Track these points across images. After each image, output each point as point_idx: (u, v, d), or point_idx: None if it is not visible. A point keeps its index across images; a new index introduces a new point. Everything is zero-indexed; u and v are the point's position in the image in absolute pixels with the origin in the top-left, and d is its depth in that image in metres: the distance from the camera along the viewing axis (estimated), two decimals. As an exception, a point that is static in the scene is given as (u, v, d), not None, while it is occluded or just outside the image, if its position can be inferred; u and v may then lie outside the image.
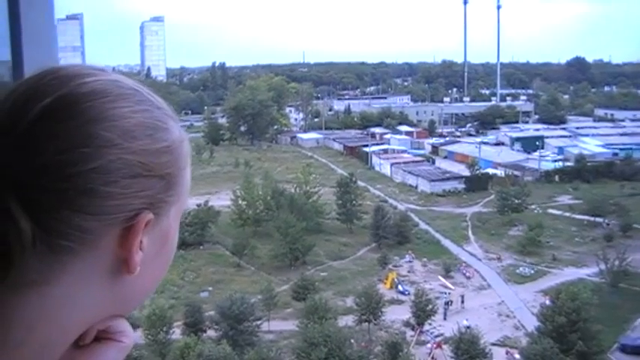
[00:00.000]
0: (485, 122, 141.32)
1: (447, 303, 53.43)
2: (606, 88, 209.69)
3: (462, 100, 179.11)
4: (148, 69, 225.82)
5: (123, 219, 1.01)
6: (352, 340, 45.02)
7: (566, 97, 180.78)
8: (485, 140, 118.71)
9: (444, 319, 51.31)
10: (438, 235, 73.00)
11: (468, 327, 46.68)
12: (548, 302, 47.33)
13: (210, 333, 46.35)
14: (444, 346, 46.01)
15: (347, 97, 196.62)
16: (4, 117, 0.98)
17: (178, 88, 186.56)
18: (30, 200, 0.94)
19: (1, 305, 0.97)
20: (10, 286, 0.96)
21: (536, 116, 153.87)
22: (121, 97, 1.03)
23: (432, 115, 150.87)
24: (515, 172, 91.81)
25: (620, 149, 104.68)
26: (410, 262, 65.47)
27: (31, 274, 0.97)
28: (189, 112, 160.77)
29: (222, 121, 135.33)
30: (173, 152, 1.07)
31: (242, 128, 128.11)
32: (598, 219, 73.35)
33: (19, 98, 0.99)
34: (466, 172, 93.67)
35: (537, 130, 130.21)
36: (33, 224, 0.94)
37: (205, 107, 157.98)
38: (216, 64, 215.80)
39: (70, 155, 0.96)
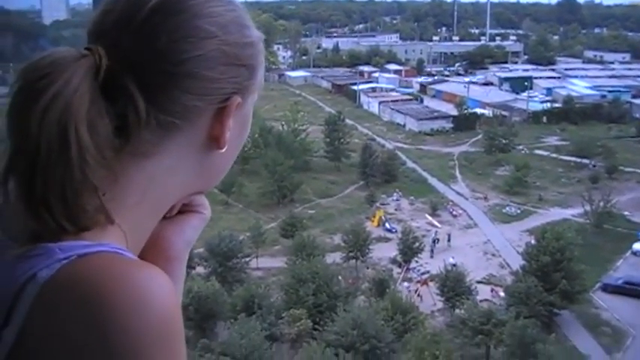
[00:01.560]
0: (474, 62, 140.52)
1: (433, 241, 53.86)
2: (596, 30, 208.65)
3: (451, 40, 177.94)
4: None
5: (219, 100, 1.18)
6: (340, 277, 45.40)
7: (555, 38, 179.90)
8: (474, 80, 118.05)
9: (431, 256, 51.77)
10: (425, 174, 73.26)
11: (454, 265, 47.12)
12: (533, 242, 47.74)
13: (200, 270, 46.61)
14: (431, 283, 46.49)
15: (335, 35, 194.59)
16: (123, 10, 1.14)
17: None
18: (146, 81, 1.10)
19: (122, 172, 1.11)
20: (129, 154, 1.12)
21: (526, 57, 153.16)
22: None
23: (421, 53, 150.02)
24: (503, 113, 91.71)
25: (609, 92, 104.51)
26: (397, 200, 65.78)
27: (145, 145, 1.13)
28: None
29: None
30: (256, 47, 1.24)
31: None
32: (584, 160, 73.77)
33: None
34: (454, 112, 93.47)
35: (526, 70, 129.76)
36: (147, 102, 1.10)
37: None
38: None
39: (181, 44, 1.12)
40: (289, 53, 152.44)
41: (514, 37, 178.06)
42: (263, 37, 1.29)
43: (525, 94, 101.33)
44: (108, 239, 1.08)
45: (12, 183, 1.05)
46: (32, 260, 1.02)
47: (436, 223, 59.19)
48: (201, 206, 1.36)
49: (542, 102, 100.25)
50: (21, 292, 1.00)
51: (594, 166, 72.71)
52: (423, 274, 49.15)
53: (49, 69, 1.05)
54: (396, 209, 64.10)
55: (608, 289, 47.54)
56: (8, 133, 1.05)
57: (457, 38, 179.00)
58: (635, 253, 53.60)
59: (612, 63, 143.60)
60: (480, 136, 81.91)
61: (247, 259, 48.12)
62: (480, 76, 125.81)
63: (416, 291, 46.52)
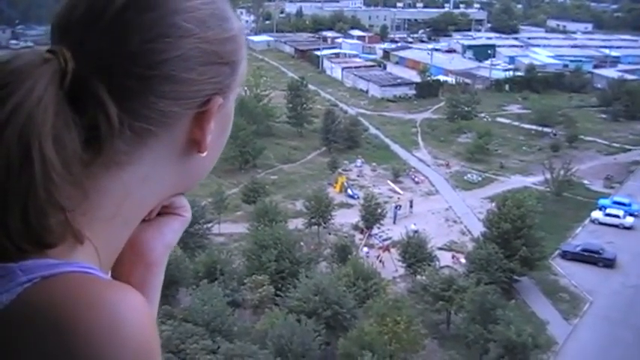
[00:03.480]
0: (438, 29, 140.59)
1: (395, 207, 53.94)
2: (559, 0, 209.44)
3: (415, 6, 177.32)
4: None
5: (198, 103, 1.09)
6: (302, 243, 45.36)
7: (519, 6, 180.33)
8: (437, 47, 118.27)
9: (394, 222, 51.89)
10: (387, 141, 73.26)
11: (416, 231, 47.23)
12: (494, 209, 48.00)
13: (160, 234, 46.09)
14: (392, 250, 46.61)
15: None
16: (91, 4, 1.03)
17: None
18: (117, 86, 1.00)
19: (94, 184, 1.02)
20: (101, 166, 1.02)
21: (489, 25, 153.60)
22: None
23: (385, 20, 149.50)
24: (466, 80, 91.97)
25: (571, 61, 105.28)
26: (359, 166, 65.74)
27: (118, 155, 1.04)
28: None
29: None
30: (237, 41, 1.15)
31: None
32: (546, 129, 74.33)
33: None
34: (417, 79, 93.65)
35: (489, 38, 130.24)
36: (120, 110, 1.00)
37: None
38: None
39: (155, 44, 1.03)
40: (252, 17, 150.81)
41: (478, 5, 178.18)
42: (244, 27, 1.22)
43: (488, 62, 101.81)
44: (76, 257, 1.00)
45: None
46: None
47: (398, 190, 59.32)
48: (182, 208, 1.28)
49: (504, 70, 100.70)
50: None
51: (555, 134, 73.32)
52: (384, 240, 49.26)
53: (8, 78, 0.94)
54: (358, 175, 64.08)
55: (566, 256, 48.15)
56: None
57: (421, 5, 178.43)
58: (593, 221, 54.28)
59: (575, 33, 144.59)
60: (442, 104, 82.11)
61: (209, 225, 47.76)
62: (443, 44, 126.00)
63: (378, 257, 46.63)
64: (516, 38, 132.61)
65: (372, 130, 76.05)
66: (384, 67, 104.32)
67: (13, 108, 0.92)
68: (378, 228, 50.58)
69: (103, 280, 1.00)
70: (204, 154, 1.14)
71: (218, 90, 1.12)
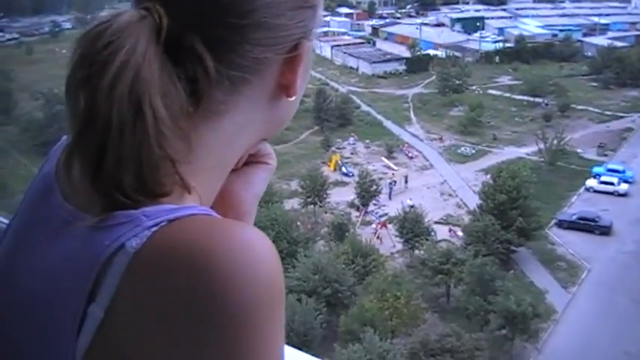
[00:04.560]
0: (426, 3, 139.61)
1: (390, 183, 54.00)
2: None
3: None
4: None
5: (288, 48, 1.11)
6: (299, 223, 45.44)
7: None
8: (426, 21, 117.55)
9: (389, 198, 51.98)
10: (380, 117, 73.11)
11: (412, 206, 47.34)
12: (489, 181, 48.11)
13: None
14: (389, 225, 46.73)
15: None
16: None
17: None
18: (212, 38, 1.02)
19: (196, 134, 1.04)
20: (202, 117, 1.05)
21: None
22: None
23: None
24: (456, 53, 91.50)
25: (560, 30, 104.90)
26: (353, 144, 65.70)
27: (217, 104, 1.06)
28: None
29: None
30: None
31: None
32: (537, 99, 74.20)
33: None
34: (407, 54, 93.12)
35: (477, 11, 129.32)
36: (216, 61, 1.02)
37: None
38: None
39: None
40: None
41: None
42: None
43: (477, 34, 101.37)
44: (188, 203, 1.02)
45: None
46: (115, 230, 0.94)
47: (392, 166, 59.35)
48: (267, 156, 1.30)
49: (494, 42, 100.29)
50: (107, 265, 0.92)
51: (547, 104, 73.24)
52: (381, 216, 49.37)
53: (111, 36, 0.96)
54: (352, 153, 64.06)
55: (563, 225, 48.32)
56: (70, 110, 0.98)
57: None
58: (588, 189, 54.43)
59: (563, 2, 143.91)
60: (433, 78, 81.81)
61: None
62: (431, 18, 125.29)
63: (375, 233, 46.76)
64: (505, 9, 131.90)
65: (364, 108, 75.87)
66: (374, 44, 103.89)
67: (120, 65, 0.94)
68: (374, 204, 50.69)
69: (232, 220, 1.06)
70: (293, 98, 1.17)
71: (305, 33, 1.13)
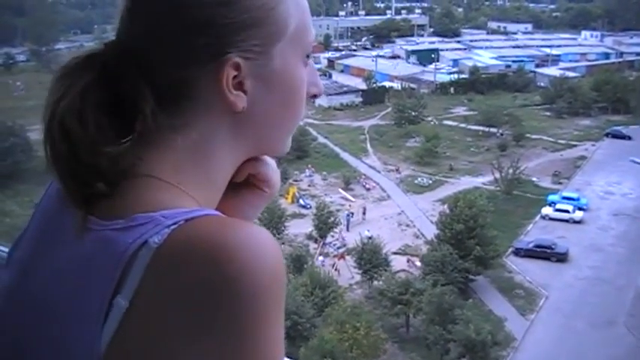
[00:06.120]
0: (381, 35, 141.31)
1: (348, 215, 53.93)
2: (499, 2, 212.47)
3: (357, 14, 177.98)
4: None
5: (210, 65, 1.15)
6: (257, 255, 44.97)
7: (460, 10, 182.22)
8: (381, 53, 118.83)
9: (347, 230, 51.89)
10: (337, 149, 73.27)
11: (370, 237, 47.22)
12: (446, 210, 48.27)
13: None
14: (347, 257, 46.58)
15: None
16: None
17: (65, 7, 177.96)
18: (146, 64, 1.14)
19: (157, 151, 1.16)
20: (155, 136, 1.16)
21: (431, 29, 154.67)
22: None
23: (328, 29, 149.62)
24: (412, 85, 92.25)
25: (513, 61, 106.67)
26: (310, 176, 65.58)
27: (163, 123, 1.15)
28: (78, 32, 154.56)
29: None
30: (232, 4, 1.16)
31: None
32: (492, 129, 75.01)
33: None
34: (363, 86, 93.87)
35: (432, 43, 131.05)
36: (154, 103, 1.13)
37: (95, 26, 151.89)
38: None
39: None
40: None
41: (419, 10, 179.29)
42: None
43: (432, 66, 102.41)
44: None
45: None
46: (137, 229, 1.04)
47: (350, 197, 59.33)
48: (265, 183, 1.34)
49: (449, 73, 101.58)
50: (133, 260, 1.02)
51: (502, 134, 74.09)
52: (339, 248, 49.21)
53: (63, 71, 1.14)
54: (309, 185, 63.94)
55: (520, 252, 48.58)
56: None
57: (363, 12, 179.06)
58: (544, 217, 54.91)
59: (515, 33, 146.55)
60: (389, 109, 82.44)
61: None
62: (387, 50, 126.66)
63: (333, 265, 46.54)
64: (459, 41, 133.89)
65: (321, 139, 76.00)
66: (330, 76, 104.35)
67: (62, 97, 1.11)
68: (332, 236, 50.52)
69: (242, 220, 1.13)
70: (239, 111, 1.17)
71: (225, 49, 1.15)
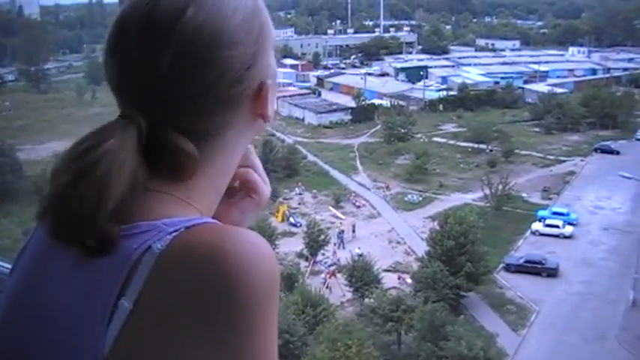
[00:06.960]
0: (370, 53, 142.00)
1: (339, 232, 53.84)
2: (487, 19, 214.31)
3: (345, 32, 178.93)
4: (20, 7, 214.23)
5: (252, 92, 1.27)
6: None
7: (448, 27, 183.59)
8: (370, 71, 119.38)
9: (338, 248, 51.77)
10: (326, 167, 73.34)
11: (361, 255, 47.20)
12: (436, 227, 48.28)
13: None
14: (339, 275, 46.48)
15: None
16: (140, 67, 1.18)
17: (54, 27, 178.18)
18: (186, 125, 1.19)
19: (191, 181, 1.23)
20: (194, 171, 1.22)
21: (420, 47, 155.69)
22: None
23: (317, 47, 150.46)
24: (401, 102, 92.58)
25: (502, 78, 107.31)
26: (300, 194, 65.57)
27: (206, 153, 1.23)
28: (67, 51, 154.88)
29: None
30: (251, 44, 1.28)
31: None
32: (481, 146, 75.27)
33: None
34: (352, 104, 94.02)
35: (421, 60, 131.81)
36: (192, 139, 1.19)
37: (84, 45, 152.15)
38: (94, 0, 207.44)
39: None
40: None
41: (408, 28, 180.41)
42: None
43: (421, 83, 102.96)
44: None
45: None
46: (141, 236, 1.10)
47: (340, 215, 59.28)
48: (254, 191, 1.42)
49: (437, 90, 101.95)
50: (137, 264, 1.07)
51: (491, 150, 74.30)
52: (330, 266, 49.10)
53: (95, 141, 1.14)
54: (299, 203, 63.91)
55: (510, 268, 48.59)
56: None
57: (352, 31, 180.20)
58: (534, 233, 54.99)
59: (503, 50, 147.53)
60: (378, 127, 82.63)
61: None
62: (376, 68, 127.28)
63: (324, 283, 46.42)
64: (447, 58, 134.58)
65: (311, 158, 76.09)
66: (319, 94, 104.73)
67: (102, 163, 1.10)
68: (323, 254, 50.44)
69: (239, 227, 1.18)
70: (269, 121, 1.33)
71: (261, 78, 1.27)
